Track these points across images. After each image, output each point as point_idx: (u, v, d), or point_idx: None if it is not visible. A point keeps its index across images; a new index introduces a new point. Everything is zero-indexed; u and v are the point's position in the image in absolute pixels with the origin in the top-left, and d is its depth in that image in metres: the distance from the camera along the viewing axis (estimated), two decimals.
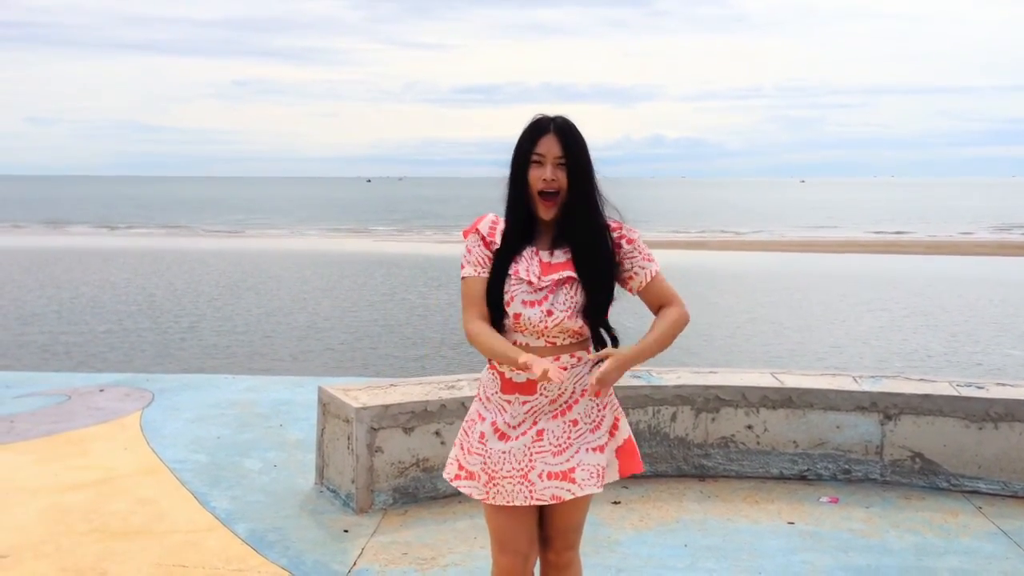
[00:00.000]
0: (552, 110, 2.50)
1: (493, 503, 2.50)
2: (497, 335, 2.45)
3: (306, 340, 14.27)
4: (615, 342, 2.51)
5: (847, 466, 4.63)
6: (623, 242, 2.51)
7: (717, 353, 13.26)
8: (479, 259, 2.51)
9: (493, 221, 2.54)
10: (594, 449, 2.49)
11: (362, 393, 4.44)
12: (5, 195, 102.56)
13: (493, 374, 2.53)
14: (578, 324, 2.46)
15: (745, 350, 13.61)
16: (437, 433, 4.33)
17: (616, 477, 2.56)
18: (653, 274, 2.51)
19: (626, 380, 4.70)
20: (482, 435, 2.52)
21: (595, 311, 2.47)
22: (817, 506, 4.34)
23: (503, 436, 2.49)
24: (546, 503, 2.48)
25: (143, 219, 55.83)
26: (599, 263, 2.47)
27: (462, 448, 2.57)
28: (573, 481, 2.45)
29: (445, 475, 2.63)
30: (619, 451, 2.57)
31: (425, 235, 41.93)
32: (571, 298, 2.45)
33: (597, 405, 2.52)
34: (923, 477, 4.57)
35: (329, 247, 33.45)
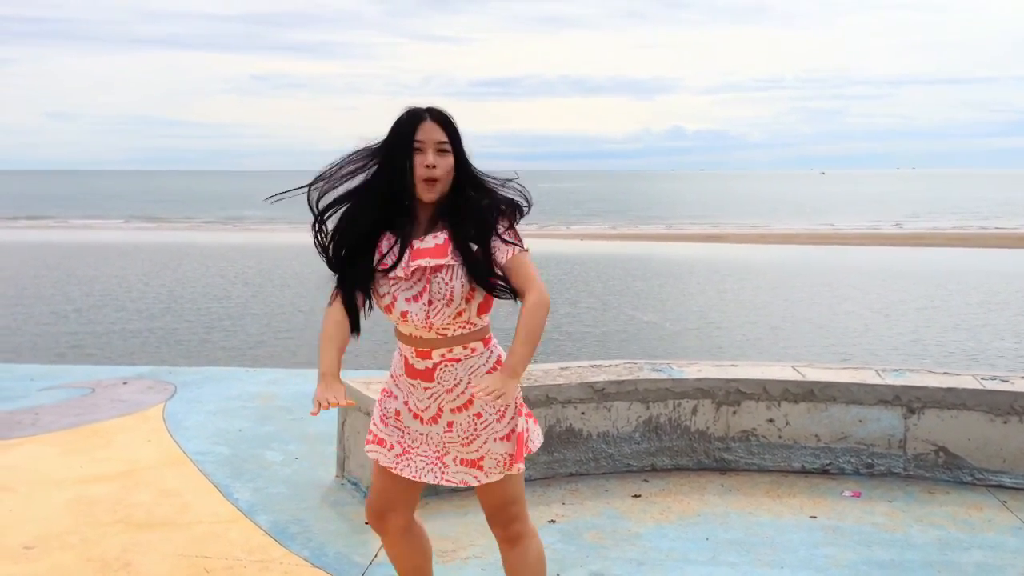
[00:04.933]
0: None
1: (400, 474, 2.59)
2: (329, 340, 2.52)
3: None
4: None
5: (870, 460, 4.60)
6: (500, 222, 2.47)
7: (738, 349, 13.21)
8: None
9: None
10: (502, 438, 2.53)
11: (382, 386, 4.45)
12: (26, 190, 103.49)
13: (400, 357, 2.60)
14: (462, 311, 2.46)
15: (767, 347, 13.54)
16: None
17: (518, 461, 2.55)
18: (509, 256, 2.44)
19: (647, 374, 4.69)
20: (397, 412, 2.61)
21: (483, 292, 2.47)
22: (839, 500, 4.31)
23: (416, 416, 2.57)
24: (455, 486, 2.56)
25: (164, 213, 56.18)
26: (481, 243, 2.44)
27: (378, 419, 2.66)
28: (481, 469, 2.54)
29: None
30: (518, 437, 2.57)
31: None
32: (447, 284, 2.44)
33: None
34: (947, 471, 4.53)
35: None
